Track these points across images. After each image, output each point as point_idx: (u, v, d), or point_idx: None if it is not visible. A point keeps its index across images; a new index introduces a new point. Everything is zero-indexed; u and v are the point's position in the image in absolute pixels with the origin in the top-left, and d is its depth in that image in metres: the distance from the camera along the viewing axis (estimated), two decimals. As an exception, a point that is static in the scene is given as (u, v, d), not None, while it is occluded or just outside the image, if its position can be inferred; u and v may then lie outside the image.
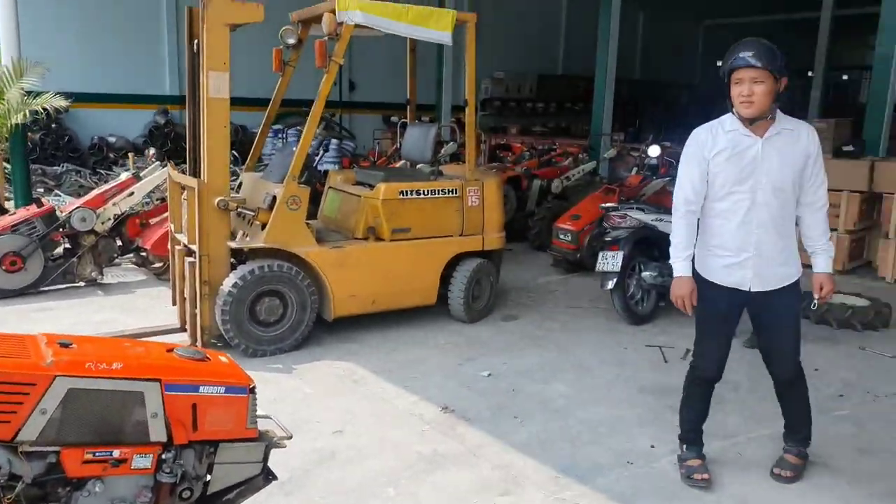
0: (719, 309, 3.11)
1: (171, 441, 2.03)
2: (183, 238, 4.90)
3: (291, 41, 5.07)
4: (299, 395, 3.97)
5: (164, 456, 2.03)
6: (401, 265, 5.08)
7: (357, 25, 4.73)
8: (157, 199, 6.91)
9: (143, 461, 1.99)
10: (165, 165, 6.79)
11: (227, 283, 4.46)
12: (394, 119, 15.17)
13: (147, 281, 6.48)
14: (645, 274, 5.41)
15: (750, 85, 2.81)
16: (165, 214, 6.58)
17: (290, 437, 2.36)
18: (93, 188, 9.61)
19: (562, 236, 6.99)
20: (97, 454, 1.92)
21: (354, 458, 3.33)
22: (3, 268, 5.62)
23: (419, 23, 4.97)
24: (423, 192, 5.14)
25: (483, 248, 5.45)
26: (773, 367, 3.21)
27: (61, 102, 7.22)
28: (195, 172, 4.83)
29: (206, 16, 4.36)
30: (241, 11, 4.48)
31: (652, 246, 5.60)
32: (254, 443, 2.24)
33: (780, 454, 3.32)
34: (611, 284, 5.32)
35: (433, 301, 5.31)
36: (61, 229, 5.96)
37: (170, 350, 2.19)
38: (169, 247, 5.52)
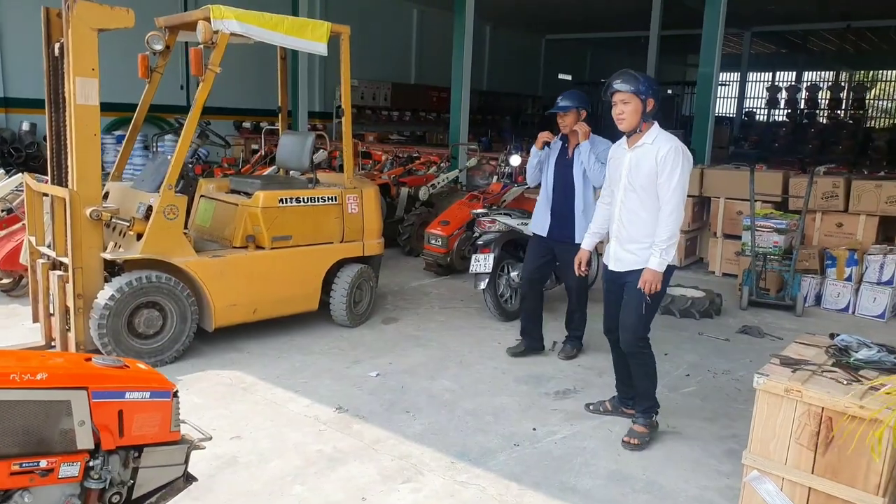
0: (604, 276, 3.91)
1: (99, 448, 2.04)
2: (48, 251, 4.65)
3: (158, 47, 4.97)
4: (189, 405, 3.90)
5: (91, 463, 2.03)
6: (282, 273, 5.12)
7: (233, 34, 4.73)
8: (2, 211, 6.40)
9: (70, 469, 1.98)
10: (13, 174, 6.34)
11: (103, 295, 4.30)
12: (246, 125, 14.97)
13: (-7, 299, 6.00)
14: (513, 274, 5.82)
15: (620, 105, 3.52)
16: (14, 227, 6.16)
17: (210, 439, 2.42)
18: None
19: (433, 241, 7.28)
20: (24, 465, 1.90)
21: (257, 460, 3.38)
22: None
23: (295, 33, 5.03)
24: (303, 199, 5.21)
25: (363, 254, 5.61)
26: (621, 338, 3.73)
27: None
28: (60, 182, 4.60)
29: (72, 19, 4.19)
30: (109, 16, 4.33)
31: (518, 248, 6.03)
32: (176, 446, 2.28)
33: (630, 425, 3.82)
34: (483, 284, 5.67)
35: (315, 307, 5.39)
36: None
37: (87, 359, 2.18)
38: (27, 261, 5.18)
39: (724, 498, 3.24)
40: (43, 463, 1.93)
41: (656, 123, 3.60)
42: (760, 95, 29.68)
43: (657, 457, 3.63)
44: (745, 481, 2.86)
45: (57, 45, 4.50)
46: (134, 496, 2.20)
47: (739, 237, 7.27)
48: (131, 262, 4.52)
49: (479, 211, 6.02)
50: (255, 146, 11.66)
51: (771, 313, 6.47)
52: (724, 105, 30.47)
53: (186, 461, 2.33)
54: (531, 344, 5.11)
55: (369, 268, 5.72)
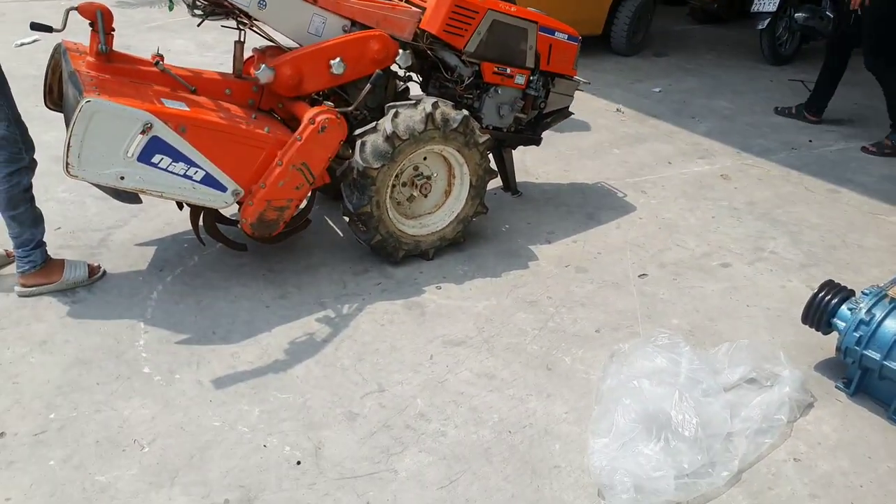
0: None
1: (537, 68, 2.97)
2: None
3: None
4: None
5: (531, 78, 2.98)
6: (578, -3, 5.73)
7: None
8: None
9: (520, 79, 2.94)
10: None
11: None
12: None
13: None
14: (797, 15, 5.91)
15: None
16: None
17: (589, 83, 3.30)
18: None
19: (702, -15, 7.38)
20: (498, 69, 2.87)
21: (578, 134, 4.31)
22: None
23: None
24: (602, -72, 5.61)
25: (647, -14, 6.02)
26: None
27: None
28: None
29: None
30: None
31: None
32: (572, 81, 3.18)
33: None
34: (764, 24, 5.91)
35: (600, 31, 6.02)
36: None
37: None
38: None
39: None
40: (508, 70, 2.89)
41: None
42: None
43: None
44: None
45: None
46: (544, 111, 3.17)
47: None
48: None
49: (771, -52, 6.04)
50: None
51: None
52: None
53: (572, 97, 3.25)
54: None
55: (649, 0, 6.13)
